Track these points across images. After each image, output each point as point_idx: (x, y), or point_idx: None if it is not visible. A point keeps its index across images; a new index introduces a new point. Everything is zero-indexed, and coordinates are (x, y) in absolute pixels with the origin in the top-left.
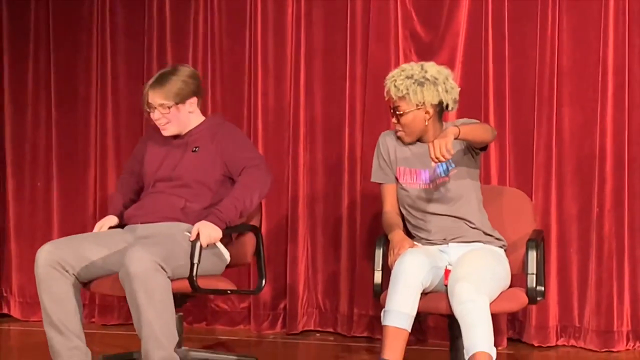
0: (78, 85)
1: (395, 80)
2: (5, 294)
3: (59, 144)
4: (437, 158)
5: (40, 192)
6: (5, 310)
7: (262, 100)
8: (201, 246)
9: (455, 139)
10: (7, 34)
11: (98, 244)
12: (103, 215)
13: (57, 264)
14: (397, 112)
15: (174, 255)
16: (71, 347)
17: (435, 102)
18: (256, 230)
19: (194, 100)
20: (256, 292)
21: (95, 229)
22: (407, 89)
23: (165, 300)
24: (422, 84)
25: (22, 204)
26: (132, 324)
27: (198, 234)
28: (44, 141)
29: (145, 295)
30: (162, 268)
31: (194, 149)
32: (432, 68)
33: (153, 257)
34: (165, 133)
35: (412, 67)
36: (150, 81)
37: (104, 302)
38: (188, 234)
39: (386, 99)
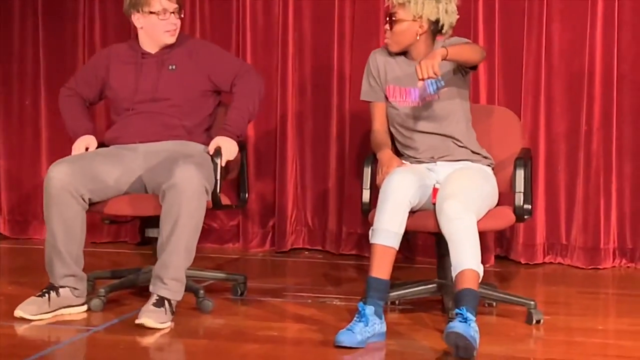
0: (65, 2)
1: None
2: None
3: (46, 61)
4: (423, 78)
5: (28, 110)
6: None
7: (250, 19)
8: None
9: (444, 59)
10: None
11: (110, 164)
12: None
13: (74, 189)
14: (392, 19)
15: (210, 176)
16: (68, 274)
17: (433, 18)
18: (242, 146)
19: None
20: (241, 206)
21: (75, 151)
22: None
23: (199, 223)
24: None
25: (11, 123)
26: (120, 241)
27: (216, 150)
28: (32, 59)
29: (186, 213)
30: (207, 191)
31: (171, 67)
32: None
33: (202, 178)
34: (172, 39)
35: None
36: None
37: (92, 220)
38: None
39: (386, 4)
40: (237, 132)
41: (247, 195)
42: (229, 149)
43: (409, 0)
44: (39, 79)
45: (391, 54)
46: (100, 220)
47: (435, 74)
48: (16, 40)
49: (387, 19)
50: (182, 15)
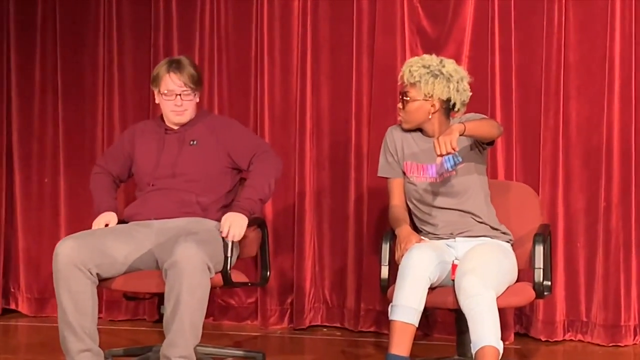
0: (85, 80)
1: (412, 66)
2: (12, 290)
3: (66, 139)
4: (442, 155)
5: (47, 188)
6: (13, 306)
7: (268, 95)
8: (233, 240)
9: (461, 135)
10: (13, 29)
11: (120, 241)
12: None
13: (80, 263)
14: (405, 98)
15: (216, 253)
16: (83, 349)
17: (444, 97)
18: (262, 223)
19: (199, 92)
20: (262, 284)
21: (95, 227)
22: (420, 77)
23: (203, 300)
24: (436, 76)
25: (30, 200)
26: (139, 319)
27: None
28: (51, 136)
29: (188, 291)
30: (209, 268)
31: (192, 142)
32: (450, 65)
33: (203, 255)
34: (181, 119)
35: (432, 59)
36: (164, 66)
37: (111, 297)
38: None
39: (399, 83)
40: (248, 209)
41: (268, 272)
42: (237, 224)
43: (420, 80)
44: (58, 157)
45: (407, 130)
46: (121, 296)
47: (453, 150)
48: (36, 119)
49: (400, 97)
50: (196, 97)
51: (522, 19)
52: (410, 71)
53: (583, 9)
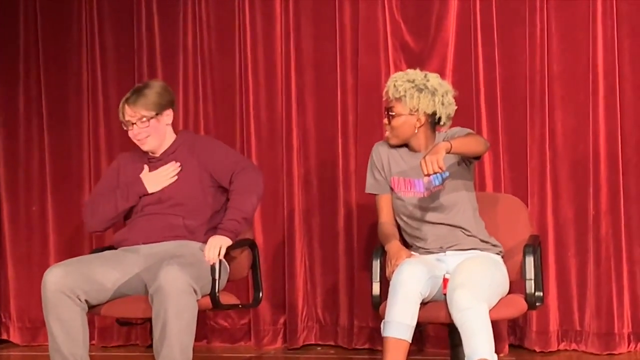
0: (69, 106)
1: (396, 81)
2: (4, 320)
3: (52, 165)
4: (428, 174)
5: (35, 216)
6: (4, 336)
7: (254, 115)
8: (220, 262)
9: (448, 153)
10: None
11: (108, 266)
12: (98, 238)
13: (69, 289)
14: (390, 113)
15: (202, 275)
16: None
17: (429, 111)
18: (252, 244)
19: (170, 112)
20: (255, 305)
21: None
22: (405, 92)
23: (191, 323)
24: (420, 90)
25: (18, 229)
26: (131, 344)
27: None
28: (38, 163)
29: (174, 315)
30: (194, 290)
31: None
32: (434, 79)
33: (188, 278)
34: (145, 147)
35: (416, 73)
36: (125, 97)
37: (103, 324)
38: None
39: (384, 99)
40: (232, 230)
41: (260, 293)
42: (221, 245)
43: (405, 95)
44: (45, 184)
45: (393, 146)
46: (113, 322)
47: (440, 169)
48: (21, 146)
49: (386, 112)
50: (158, 121)
51: (504, 31)
52: (395, 86)
53: (565, 19)
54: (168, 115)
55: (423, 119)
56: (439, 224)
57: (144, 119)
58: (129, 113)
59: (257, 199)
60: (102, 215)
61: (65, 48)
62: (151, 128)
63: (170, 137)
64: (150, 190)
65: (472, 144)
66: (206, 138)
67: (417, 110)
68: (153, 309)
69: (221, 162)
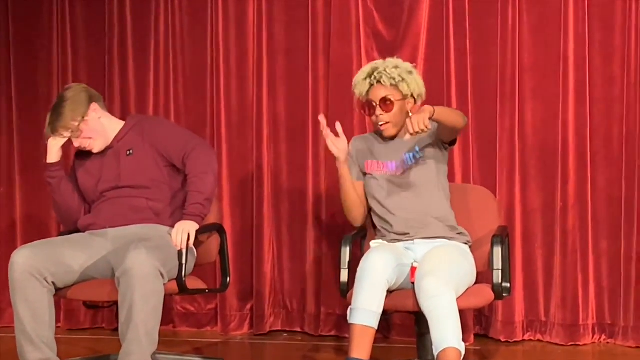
0: (39, 89)
1: (385, 70)
2: None
3: (20, 147)
4: (416, 132)
5: (2, 198)
6: None
7: (225, 100)
8: (188, 246)
9: (430, 118)
10: None
11: (76, 249)
12: None
13: (36, 271)
14: (388, 102)
15: (169, 259)
16: (41, 358)
17: (418, 93)
18: (220, 229)
19: (95, 106)
20: (222, 290)
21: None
22: (401, 77)
23: (157, 307)
24: (411, 72)
25: None
26: (98, 327)
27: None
28: (6, 145)
29: (141, 298)
30: (161, 274)
31: (128, 152)
32: (406, 63)
33: (155, 261)
34: (96, 150)
35: (390, 60)
36: (47, 127)
37: (70, 306)
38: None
39: (358, 93)
40: (197, 214)
41: (228, 278)
42: (183, 231)
43: (402, 80)
44: (13, 166)
45: (366, 138)
46: (80, 305)
47: (426, 127)
48: None
49: (378, 103)
50: (87, 123)
51: (476, 22)
52: (387, 73)
53: (537, 11)
54: (94, 111)
55: (412, 101)
56: (409, 206)
57: (75, 130)
58: (59, 134)
59: (214, 177)
60: (56, 210)
61: (36, 30)
62: (86, 133)
63: (115, 124)
64: (47, 160)
65: (453, 114)
66: (155, 119)
67: (411, 94)
68: (119, 292)
69: (171, 142)
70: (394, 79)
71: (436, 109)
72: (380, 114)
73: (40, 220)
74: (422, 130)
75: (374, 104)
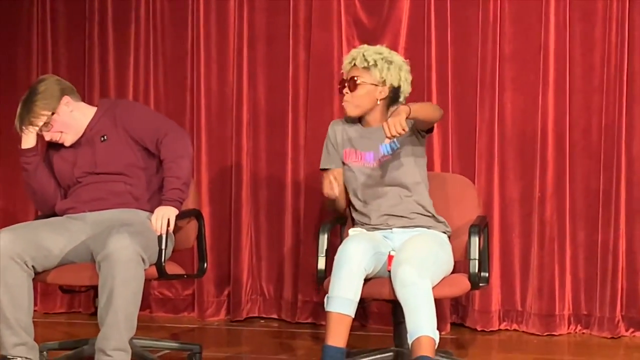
0: (18, 73)
1: (365, 51)
2: None
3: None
4: (393, 135)
5: None
6: None
7: (205, 88)
8: (167, 232)
9: (407, 117)
10: None
11: (56, 233)
12: None
13: (16, 255)
14: (355, 81)
15: (150, 245)
16: (18, 342)
17: (395, 84)
18: (198, 214)
19: (67, 99)
20: (199, 275)
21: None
22: (375, 62)
23: (137, 292)
24: (390, 62)
25: None
26: (74, 312)
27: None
28: None
29: (121, 283)
30: (143, 259)
31: (102, 138)
32: (398, 56)
33: (137, 247)
34: (68, 143)
35: (382, 47)
36: (17, 119)
37: (46, 290)
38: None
39: (345, 70)
40: (176, 199)
41: (205, 264)
42: (163, 216)
43: (375, 64)
44: None
45: (348, 122)
46: (56, 289)
47: (403, 130)
48: None
49: (347, 82)
50: (59, 115)
51: (457, 11)
52: (364, 55)
53: (518, 1)
54: (66, 104)
55: (386, 91)
56: (387, 195)
57: (45, 125)
58: (30, 129)
59: (189, 161)
60: (31, 196)
61: (15, 12)
62: (57, 126)
63: (88, 112)
64: (22, 146)
65: (429, 109)
66: (126, 103)
67: (384, 81)
68: (100, 277)
69: (144, 127)
70: (367, 62)
71: (412, 107)
72: (345, 92)
73: (19, 205)
74: (400, 134)
75: (345, 82)
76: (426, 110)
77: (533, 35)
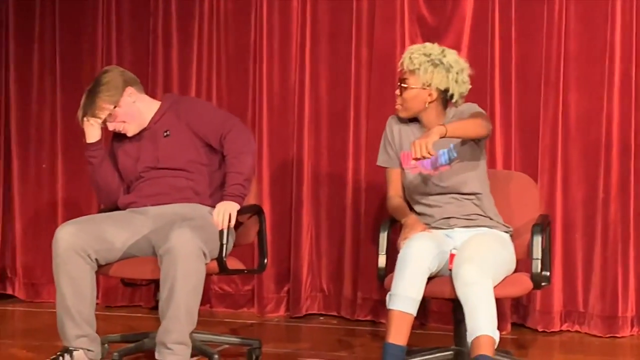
0: (83, 65)
1: (413, 53)
2: (9, 275)
3: (63, 125)
4: (418, 158)
5: (45, 174)
6: (9, 291)
7: (267, 84)
8: (229, 227)
9: (442, 137)
10: (12, 16)
11: (118, 227)
12: None
13: (80, 248)
14: (403, 85)
15: (211, 239)
16: (81, 334)
17: (442, 87)
18: (259, 210)
19: (130, 90)
20: (260, 271)
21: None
22: (420, 65)
23: (198, 287)
24: (436, 65)
25: (27, 185)
26: (135, 306)
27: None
28: (49, 122)
29: (183, 277)
30: (204, 254)
31: (165, 133)
32: (451, 55)
33: (198, 241)
34: (130, 133)
35: (433, 47)
36: (80, 110)
37: (108, 284)
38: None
39: (398, 70)
40: (237, 194)
41: (265, 260)
42: (225, 212)
43: (419, 68)
44: (55, 142)
45: (405, 120)
46: (118, 283)
47: (429, 154)
48: (34, 104)
49: (398, 84)
50: (122, 106)
51: (522, 9)
52: (410, 58)
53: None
54: (130, 95)
55: (435, 94)
56: (447, 202)
57: (110, 116)
58: (92, 121)
59: (252, 158)
60: (96, 190)
61: (81, 8)
62: (120, 117)
63: (152, 106)
64: (87, 140)
65: (470, 127)
66: (191, 99)
67: (430, 85)
68: (162, 270)
69: (208, 123)
70: (413, 64)
71: (449, 127)
72: (396, 94)
73: (82, 197)
74: (425, 157)
75: (398, 82)
76: (466, 129)
77: (599, 34)
